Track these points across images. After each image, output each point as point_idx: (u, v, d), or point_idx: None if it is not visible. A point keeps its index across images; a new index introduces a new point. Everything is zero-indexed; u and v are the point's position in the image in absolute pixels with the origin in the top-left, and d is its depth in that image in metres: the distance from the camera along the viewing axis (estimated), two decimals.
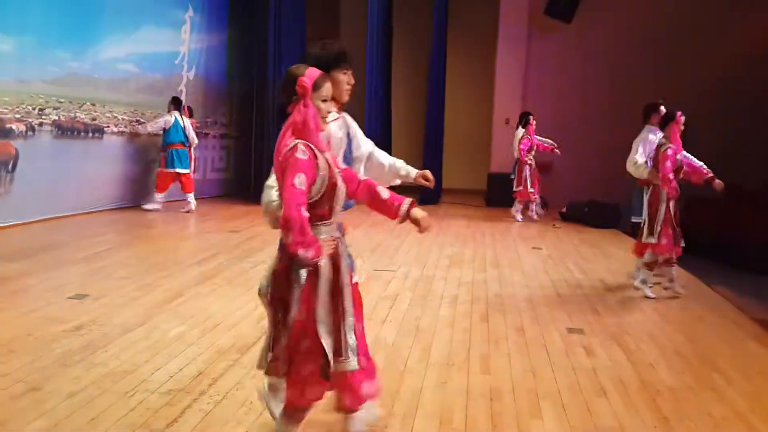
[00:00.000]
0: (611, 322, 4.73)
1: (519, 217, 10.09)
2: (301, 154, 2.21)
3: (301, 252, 2.17)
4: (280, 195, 2.30)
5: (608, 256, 7.27)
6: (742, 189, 8.62)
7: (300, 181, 2.18)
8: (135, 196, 9.57)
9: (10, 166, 7.33)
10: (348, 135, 2.87)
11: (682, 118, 5.32)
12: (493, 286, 5.69)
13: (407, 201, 2.48)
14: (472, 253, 7.22)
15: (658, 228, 5.35)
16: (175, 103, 9.30)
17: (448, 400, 3.22)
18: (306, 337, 2.32)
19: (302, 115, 2.25)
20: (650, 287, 5.53)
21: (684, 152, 5.45)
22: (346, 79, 2.70)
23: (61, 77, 8.17)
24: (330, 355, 2.29)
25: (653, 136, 5.88)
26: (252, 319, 4.37)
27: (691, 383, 3.58)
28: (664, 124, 5.46)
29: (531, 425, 2.98)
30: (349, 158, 2.86)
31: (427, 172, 2.95)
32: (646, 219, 5.50)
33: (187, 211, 9.25)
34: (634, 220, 6.16)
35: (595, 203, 9.94)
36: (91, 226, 7.75)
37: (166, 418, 2.89)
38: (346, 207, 2.53)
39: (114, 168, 9.17)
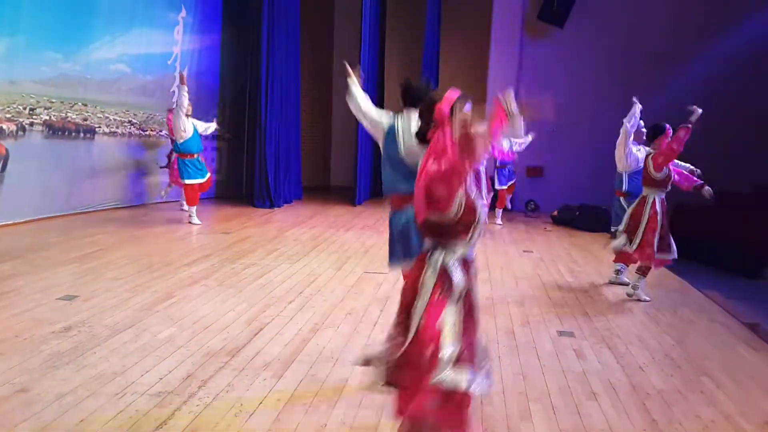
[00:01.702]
0: (601, 325, 4.76)
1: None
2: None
3: None
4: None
5: (599, 260, 7.30)
6: (731, 193, 8.68)
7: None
8: (126, 197, 9.56)
9: (0, 166, 7.29)
10: None
11: (671, 131, 5.42)
12: (484, 289, 5.69)
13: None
14: None
15: (639, 238, 5.42)
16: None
17: None
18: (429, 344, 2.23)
19: (441, 143, 2.18)
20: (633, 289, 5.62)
21: (675, 161, 5.52)
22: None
23: (52, 77, 8.13)
24: (448, 364, 2.20)
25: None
26: (242, 322, 4.36)
27: (680, 386, 3.60)
28: (653, 136, 5.59)
29: (521, 428, 2.99)
30: None
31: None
32: (625, 228, 5.58)
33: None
34: (614, 229, 6.26)
35: (587, 207, 9.98)
36: (81, 227, 7.70)
37: (155, 420, 2.88)
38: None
39: (105, 169, 9.13)
